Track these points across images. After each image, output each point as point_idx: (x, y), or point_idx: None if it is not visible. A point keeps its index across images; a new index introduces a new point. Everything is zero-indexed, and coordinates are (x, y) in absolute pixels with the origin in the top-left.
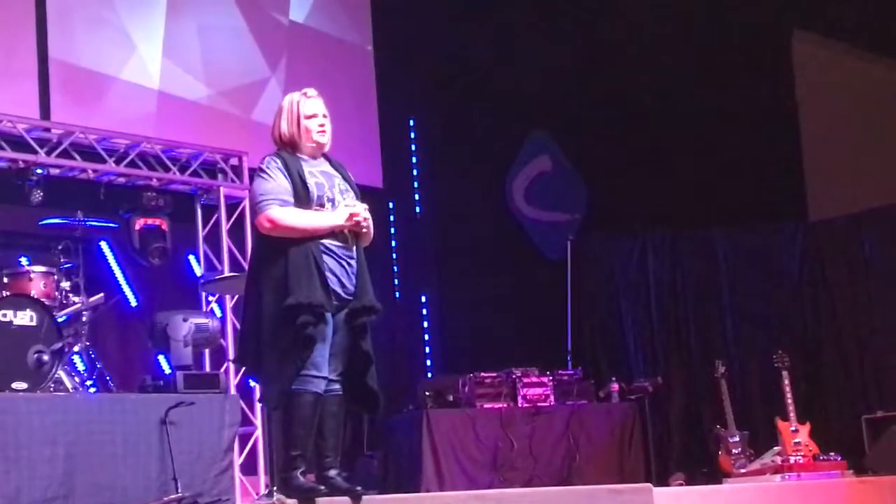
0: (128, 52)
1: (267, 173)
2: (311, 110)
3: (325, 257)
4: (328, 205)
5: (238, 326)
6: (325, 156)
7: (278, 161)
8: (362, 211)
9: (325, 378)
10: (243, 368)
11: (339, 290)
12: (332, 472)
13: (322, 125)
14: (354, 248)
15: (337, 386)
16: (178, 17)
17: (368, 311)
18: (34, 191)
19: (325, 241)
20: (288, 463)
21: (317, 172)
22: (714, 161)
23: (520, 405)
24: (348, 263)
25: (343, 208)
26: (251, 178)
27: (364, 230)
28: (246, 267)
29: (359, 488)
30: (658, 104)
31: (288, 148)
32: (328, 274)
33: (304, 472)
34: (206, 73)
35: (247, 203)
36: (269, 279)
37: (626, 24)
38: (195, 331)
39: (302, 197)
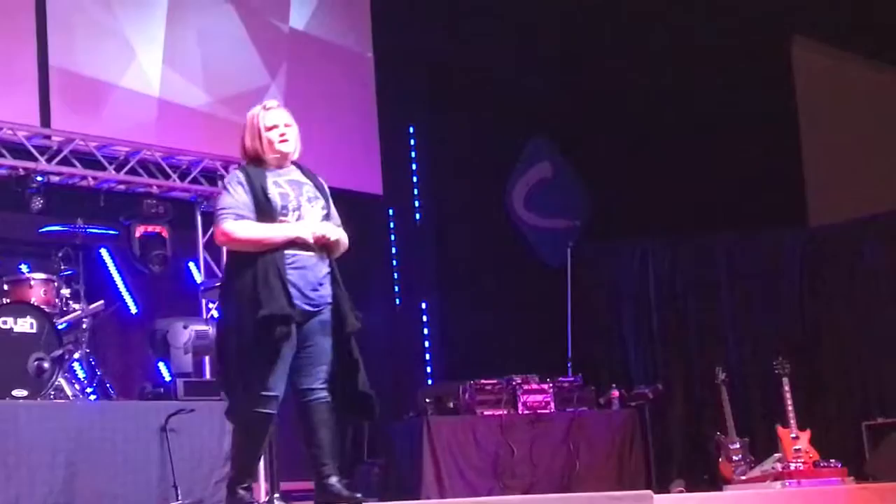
0: (128, 60)
1: (228, 188)
2: (271, 122)
3: (290, 269)
4: (294, 214)
5: None
6: (296, 164)
7: (241, 175)
8: (326, 232)
9: (277, 397)
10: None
11: (301, 302)
12: (333, 480)
13: (283, 134)
14: (326, 258)
15: (325, 394)
16: (178, 24)
17: (349, 325)
18: (34, 198)
19: (290, 252)
20: (235, 478)
21: (283, 182)
22: (714, 167)
23: (520, 412)
24: (314, 274)
25: (305, 223)
26: None
27: (330, 243)
28: None
29: (358, 495)
30: (658, 110)
31: (254, 161)
32: (290, 287)
33: (248, 486)
34: (206, 81)
35: None
36: (237, 292)
37: (626, 30)
38: (195, 338)
39: (265, 209)
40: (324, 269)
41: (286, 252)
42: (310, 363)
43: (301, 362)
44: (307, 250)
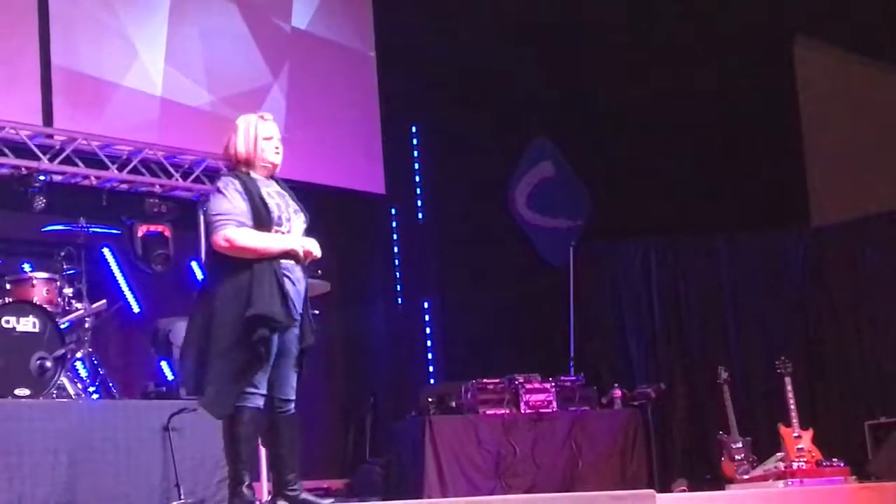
0: (130, 59)
1: (224, 193)
2: (268, 132)
3: (283, 278)
4: (286, 225)
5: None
6: (273, 178)
7: (236, 182)
8: (314, 249)
9: (264, 395)
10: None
11: (293, 311)
12: (297, 488)
13: (277, 147)
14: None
15: (292, 406)
16: (181, 23)
17: (307, 340)
18: (37, 197)
19: (284, 263)
20: (236, 476)
21: (273, 193)
22: (716, 167)
23: (522, 411)
24: (300, 285)
25: (297, 238)
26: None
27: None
28: None
29: (327, 501)
30: (660, 110)
31: (242, 168)
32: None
33: (250, 484)
34: (209, 80)
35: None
36: (230, 291)
37: (628, 30)
38: None
39: (263, 218)
40: (304, 282)
41: (281, 262)
42: (288, 373)
43: (282, 371)
44: (296, 263)
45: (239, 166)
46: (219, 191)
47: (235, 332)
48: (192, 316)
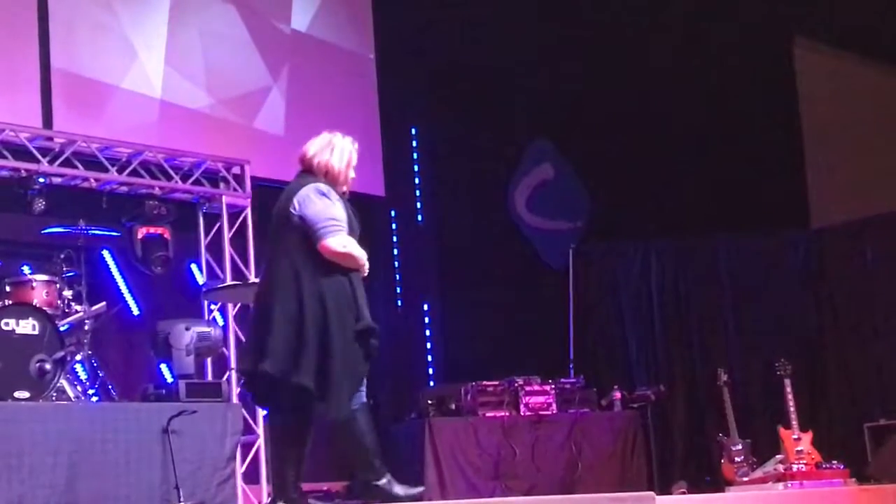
0: (130, 61)
1: (330, 199)
2: (355, 162)
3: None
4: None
5: (245, 334)
6: None
7: (335, 194)
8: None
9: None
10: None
11: None
12: (298, 490)
13: (353, 177)
14: None
15: None
16: (180, 25)
17: None
18: (36, 199)
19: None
20: (379, 471)
21: None
22: (716, 169)
23: (522, 414)
24: None
25: None
26: (253, 187)
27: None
28: (249, 275)
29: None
30: (660, 112)
31: (328, 182)
32: None
33: (390, 478)
34: (209, 82)
35: (248, 212)
36: (341, 298)
37: (628, 32)
38: (197, 339)
39: (354, 230)
40: None
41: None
42: None
43: None
44: None
45: (324, 178)
46: (324, 195)
47: (350, 340)
48: (298, 318)
